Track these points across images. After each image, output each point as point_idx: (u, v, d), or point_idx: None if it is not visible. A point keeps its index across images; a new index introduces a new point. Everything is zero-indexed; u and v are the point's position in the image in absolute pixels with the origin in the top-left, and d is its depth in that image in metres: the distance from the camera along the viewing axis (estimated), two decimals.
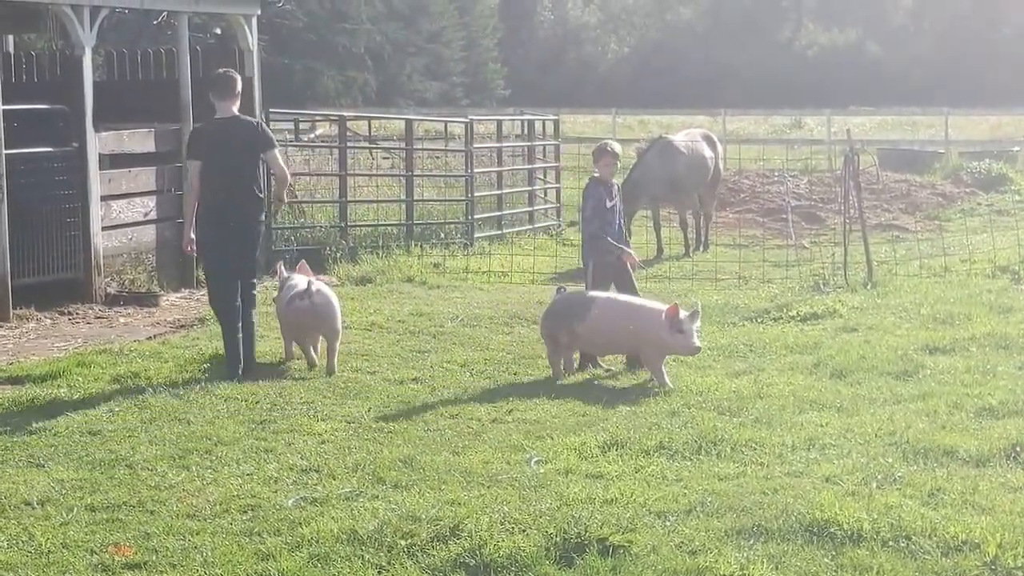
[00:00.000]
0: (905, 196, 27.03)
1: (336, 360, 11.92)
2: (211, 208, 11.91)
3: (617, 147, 12.74)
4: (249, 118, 12.83)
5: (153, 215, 17.12)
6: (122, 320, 15.04)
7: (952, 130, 40.31)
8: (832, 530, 7.36)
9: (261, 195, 12.26)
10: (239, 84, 12.12)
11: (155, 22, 26.33)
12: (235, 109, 12.07)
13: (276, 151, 12.31)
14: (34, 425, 10.12)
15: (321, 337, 12.18)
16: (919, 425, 9.60)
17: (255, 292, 12.56)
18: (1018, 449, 8.90)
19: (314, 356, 12.14)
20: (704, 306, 15.00)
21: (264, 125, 13.10)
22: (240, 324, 11.94)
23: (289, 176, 13.06)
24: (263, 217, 12.51)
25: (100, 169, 16.10)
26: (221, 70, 12.73)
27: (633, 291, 12.36)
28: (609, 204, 12.41)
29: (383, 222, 20.88)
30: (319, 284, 12.24)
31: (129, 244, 16.73)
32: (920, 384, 11.03)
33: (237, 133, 11.98)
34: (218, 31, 20.01)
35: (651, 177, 20.12)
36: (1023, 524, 7.41)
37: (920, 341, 12.68)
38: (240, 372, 11.69)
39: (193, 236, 12.05)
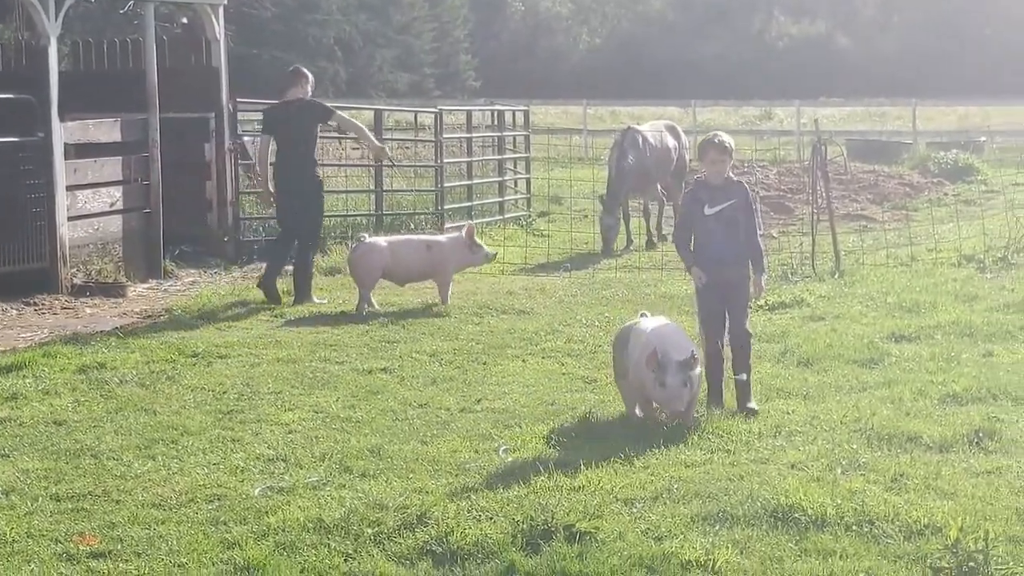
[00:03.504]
0: (873, 186, 27.15)
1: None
2: (275, 174, 15.23)
3: (727, 139, 10.20)
4: (308, 99, 15.28)
5: (120, 205, 17.04)
6: (89, 311, 14.98)
7: (920, 121, 40.49)
8: (797, 515, 7.39)
9: (315, 164, 15.38)
10: (301, 75, 15.31)
11: (121, 11, 26.19)
12: (300, 94, 15.08)
13: (338, 115, 15.60)
14: None
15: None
16: (884, 412, 9.65)
17: (310, 243, 15.45)
18: (981, 435, 8.96)
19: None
20: (673, 296, 15.16)
21: (319, 101, 15.71)
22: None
23: (360, 129, 16.34)
24: (320, 182, 15.55)
25: (66, 159, 16.01)
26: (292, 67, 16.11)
27: (742, 317, 10.05)
28: (710, 211, 9.91)
29: (352, 212, 20.85)
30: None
31: (96, 234, 16.66)
32: (885, 372, 11.09)
33: (299, 112, 15.00)
34: (185, 21, 19.92)
35: (618, 162, 20.09)
36: (984, 508, 7.48)
37: (886, 329, 12.75)
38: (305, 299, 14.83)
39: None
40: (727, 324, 9.98)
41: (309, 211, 15.29)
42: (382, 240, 15.16)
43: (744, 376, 9.84)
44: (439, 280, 14.64)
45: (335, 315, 14.27)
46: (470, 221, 15.40)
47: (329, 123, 15.68)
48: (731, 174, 10.18)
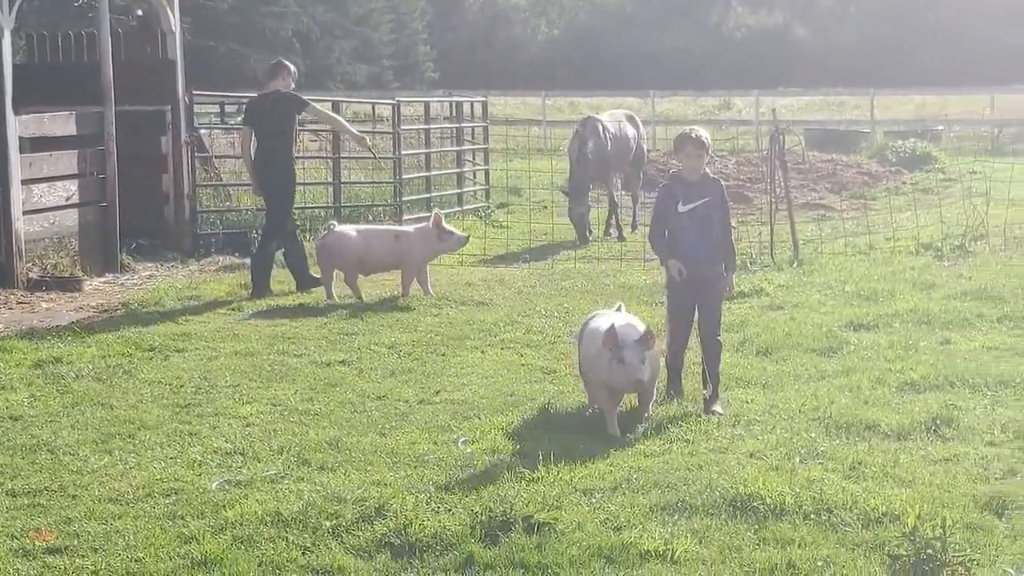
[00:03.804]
0: (831, 175, 27.26)
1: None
2: (253, 166, 15.50)
3: (703, 134, 9.90)
4: (284, 91, 15.35)
5: (75, 199, 16.95)
6: (44, 305, 14.89)
7: (877, 110, 40.69)
8: (755, 504, 7.42)
9: (291, 157, 15.51)
10: (281, 67, 15.56)
11: (76, 4, 26.01)
12: (280, 87, 15.28)
13: (313, 107, 15.67)
14: None
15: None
16: (842, 400, 9.71)
17: (271, 234, 15.45)
18: (938, 423, 9.03)
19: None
20: (632, 286, 15.19)
21: (295, 93, 15.54)
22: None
23: (339, 122, 16.94)
24: (291, 175, 15.47)
25: (21, 153, 15.92)
26: (275, 60, 16.31)
27: (715, 316, 9.96)
28: (683, 208, 9.71)
29: (310, 204, 20.78)
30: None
31: (51, 228, 16.56)
32: (844, 360, 11.15)
33: (275, 104, 15.18)
34: (140, 13, 19.81)
35: (578, 152, 20.11)
36: (942, 496, 7.54)
37: (844, 318, 12.81)
38: (260, 293, 14.80)
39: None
40: (698, 326, 9.93)
41: (273, 202, 15.43)
42: (352, 229, 15.16)
43: (710, 390, 9.75)
44: (405, 271, 14.61)
45: (293, 308, 14.24)
46: (437, 210, 15.30)
47: (304, 114, 15.61)
48: (708, 170, 10.02)
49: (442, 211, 21.29)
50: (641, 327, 9.18)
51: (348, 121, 18.44)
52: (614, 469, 8.23)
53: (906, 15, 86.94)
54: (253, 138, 15.47)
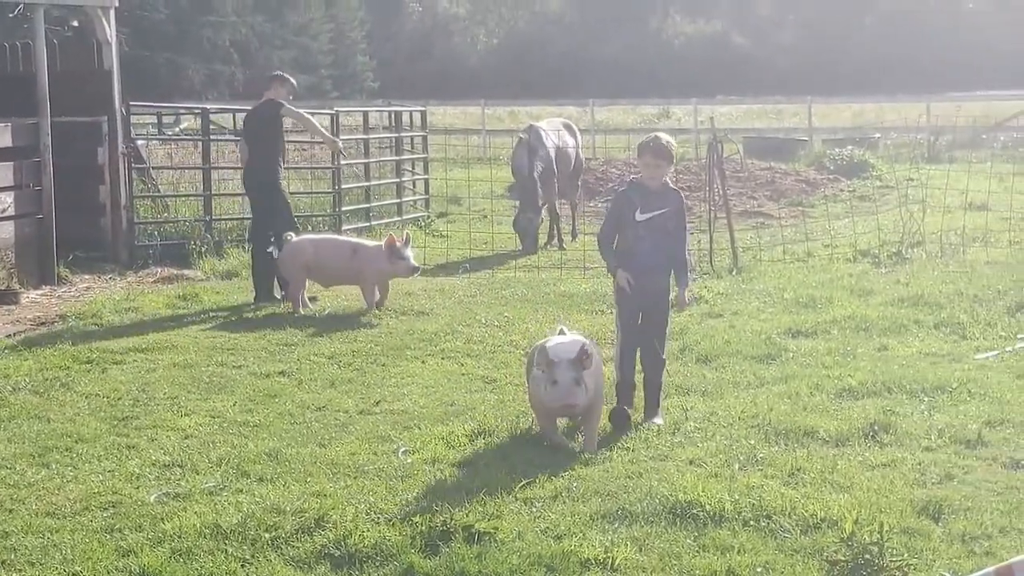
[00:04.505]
0: (770, 183, 27.37)
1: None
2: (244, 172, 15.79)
3: (667, 141, 9.53)
4: (266, 99, 15.43)
5: (11, 211, 16.82)
6: None
7: (815, 118, 40.93)
8: (695, 511, 7.45)
9: (272, 162, 15.24)
10: (274, 79, 15.67)
11: (11, 15, 25.83)
12: (271, 96, 15.31)
13: (286, 107, 15.31)
14: None
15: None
16: (781, 407, 9.76)
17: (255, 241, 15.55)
18: (876, 428, 9.10)
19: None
20: (572, 294, 15.22)
21: (269, 100, 15.39)
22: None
23: (315, 125, 16.65)
24: (273, 180, 15.25)
25: None
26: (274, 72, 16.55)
27: (660, 338, 9.73)
28: (641, 217, 9.38)
29: (249, 215, 20.70)
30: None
31: None
32: (782, 367, 11.22)
33: (257, 111, 15.46)
34: (76, 24, 19.72)
35: (519, 160, 20.14)
36: (879, 501, 7.59)
37: (783, 325, 12.89)
38: (264, 298, 15.00)
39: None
40: (641, 337, 9.64)
41: (259, 209, 15.57)
42: (307, 239, 15.14)
43: (656, 418, 9.49)
44: (361, 286, 14.52)
45: (233, 319, 14.19)
46: (393, 233, 14.97)
47: (283, 116, 15.40)
48: (668, 180, 9.71)
49: (377, 223, 21.45)
50: (576, 346, 8.78)
51: (287, 131, 18.27)
52: (554, 478, 8.24)
53: (843, 24, 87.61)
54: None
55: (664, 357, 9.83)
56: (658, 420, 9.43)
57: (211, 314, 14.56)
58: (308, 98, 66.33)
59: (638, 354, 9.71)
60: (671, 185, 9.73)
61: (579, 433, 9.16)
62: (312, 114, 17.20)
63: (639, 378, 9.82)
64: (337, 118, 22.00)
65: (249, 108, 16.74)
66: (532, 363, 8.96)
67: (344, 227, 20.52)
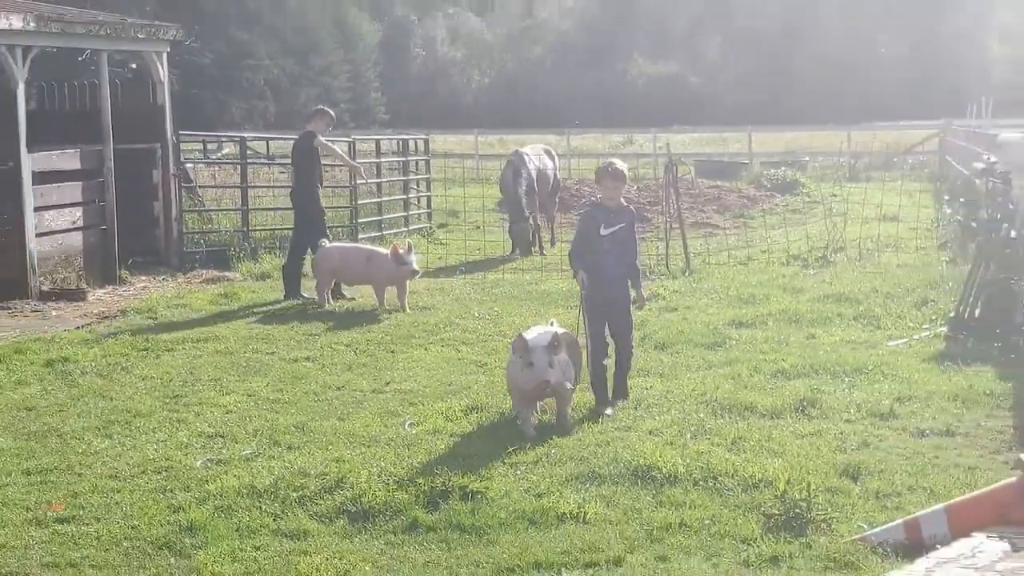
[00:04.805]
0: (716, 199, 27.32)
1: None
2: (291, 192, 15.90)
3: (622, 167, 9.53)
4: (304, 131, 15.41)
5: (80, 223, 16.80)
6: (55, 313, 14.74)
7: (755, 144, 40.87)
8: (653, 473, 7.47)
9: (310, 185, 15.17)
10: (315, 112, 15.72)
11: (80, 59, 25.79)
12: (309, 127, 15.32)
13: (319, 139, 15.18)
14: None
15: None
16: (725, 386, 9.77)
17: (294, 249, 15.38)
18: (805, 404, 9.12)
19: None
20: (551, 292, 15.21)
21: (307, 132, 15.29)
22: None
23: (339, 153, 16.53)
24: (311, 200, 15.20)
25: (33, 184, 15.77)
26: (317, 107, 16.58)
27: (628, 333, 9.52)
28: (605, 231, 9.24)
29: (280, 227, 20.68)
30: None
31: (60, 248, 16.40)
32: (727, 353, 11.22)
33: (298, 143, 15.43)
34: (134, 66, 19.64)
35: (507, 181, 20.12)
36: (807, 464, 7.60)
37: (727, 317, 12.89)
38: (293, 295, 14.89)
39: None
40: (612, 336, 9.39)
41: (299, 222, 15.45)
42: (339, 245, 15.12)
43: (623, 399, 9.35)
44: (374, 286, 14.37)
45: (266, 313, 14.17)
46: (398, 241, 14.84)
47: (315, 145, 15.13)
48: (622, 199, 9.54)
49: (388, 232, 21.42)
50: (549, 334, 8.65)
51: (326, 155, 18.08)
52: (535, 446, 8.25)
53: (778, 66, 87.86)
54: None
55: (632, 347, 9.70)
56: (609, 412, 9.08)
57: (248, 309, 14.53)
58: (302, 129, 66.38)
59: (610, 347, 9.46)
60: (624, 203, 9.61)
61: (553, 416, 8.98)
62: (333, 142, 17.13)
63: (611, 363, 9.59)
64: (354, 145, 21.95)
65: (280, 136, 16.75)
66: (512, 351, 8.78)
67: (360, 236, 20.48)
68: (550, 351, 8.47)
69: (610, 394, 9.36)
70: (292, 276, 15.17)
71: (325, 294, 14.49)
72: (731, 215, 25.31)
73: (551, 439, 8.40)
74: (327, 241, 14.89)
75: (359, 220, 21.36)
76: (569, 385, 8.76)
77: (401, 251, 14.02)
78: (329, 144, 15.79)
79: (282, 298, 14.98)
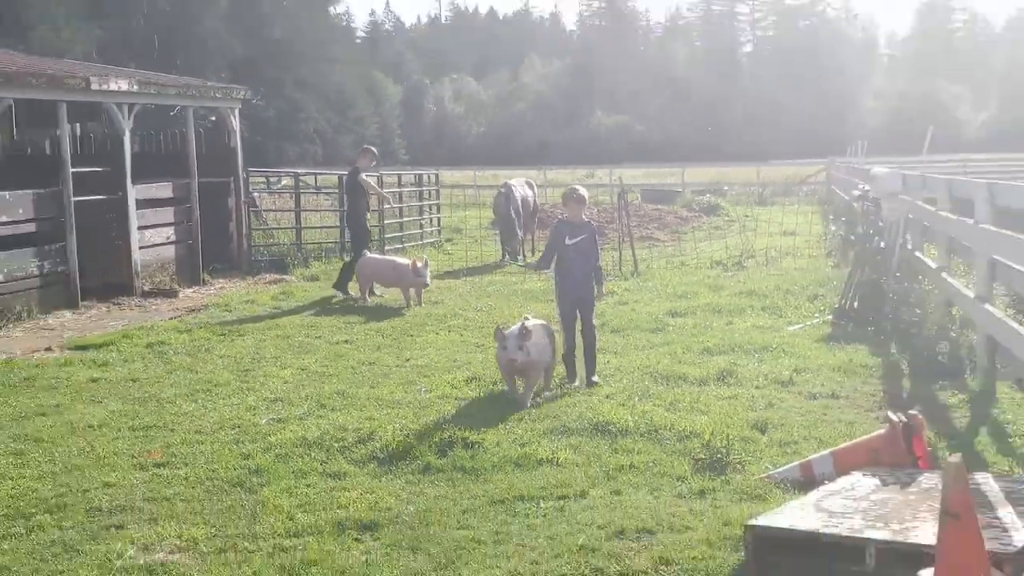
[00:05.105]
0: (658, 219, 27.35)
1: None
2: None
3: (583, 192, 9.42)
4: (355, 166, 14.98)
5: (172, 239, 16.76)
6: (153, 307, 14.70)
7: (687, 177, 40.95)
8: (610, 427, 7.46)
9: (357, 211, 14.90)
10: (361, 151, 15.38)
11: (171, 113, 25.70)
12: (357, 164, 14.95)
13: (360, 177, 14.81)
14: (95, 376, 9.90)
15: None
16: (664, 361, 9.77)
17: (351, 260, 15.05)
18: (724, 374, 9.11)
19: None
20: (532, 290, 15.19)
21: (354, 168, 14.96)
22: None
23: (372, 186, 15.49)
24: (357, 222, 14.93)
25: (137, 209, 15.75)
26: (364, 146, 15.97)
27: (590, 319, 9.22)
28: (570, 242, 9.12)
29: (325, 240, 20.66)
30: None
31: (157, 258, 16.36)
32: (665, 335, 11.22)
33: (346, 179, 15.44)
34: (213, 118, 19.53)
35: (500, 206, 20.12)
36: (726, 420, 7.59)
37: (666, 309, 12.89)
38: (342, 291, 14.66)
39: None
40: (581, 325, 9.18)
41: (352, 240, 15.21)
42: (374, 256, 14.88)
43: (595, 376, 9.04)
44: (401, 288, 14.18)
45: (316, 306, 14.14)
46: (417, 257, 14.56)
47: (357, 180, 14.75)
48: (584, 216, 9.42)
49: (409, 244, 21.38)
50: (525, 325, 8.47)
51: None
52: (520, 407, 8.25)
53: (707, 115, 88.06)
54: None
55: (596, 332, 9.46)
56: (596, 379, 9.03)
57: (301, 304, 14.51)
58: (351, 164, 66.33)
59: (578, 333, 9.27)
60: (586, 220, 9.48)
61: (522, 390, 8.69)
62: (368, 176, 17.04)
63: (582, 351, 9.39)
64: (382, 178, 21.95)
65: (325, 172, 16.70)
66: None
67: (386, 248, 20.45)
68: (519, 338, 8.35)
69: (584, 371, 9.17)
70: (347, 278, 14.99)
71: (365, 293, 14.46)
72: (669, 231, 25.33)
73: (531, 402, 8.40)
74: (368, 253, 14.80)
75: (385, 235, 21.32)
76: (543, 365, 8.57)
77: (419, 265, 13.91)
78: (365, 179, 15.63)
79: (337, 295, 14.78)
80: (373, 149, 15.68)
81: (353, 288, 14.86)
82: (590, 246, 9.23)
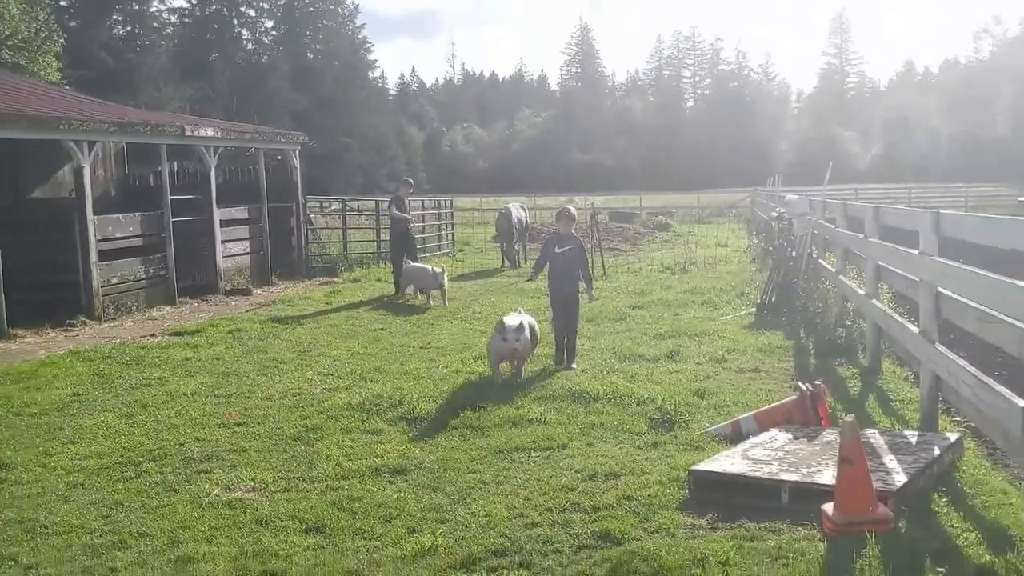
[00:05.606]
0: (621, 234, 27.32)
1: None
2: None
3: (574, 212, 9.22)
4: (396, 195, 14.72)
5: (247, 250, 16.74)
6: (232, 303, 14.68)
7: (644, 202, 40.89)
8: (585, 395, 7.44)
9: (399, 231, 14.68)
10: (403, 182, 15.08)
11: (247, 153, 25.65)
12: (399, 192, 14.68)
13: (392, 208, 14.64)
14: (188, 356, 9.86)
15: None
16: (626, 344, 9.74)
17: (395, 265, 14.66)
18: (672, 354, 9.06)
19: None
20: (526, 289, 15.13)
21: (396, 196, 14.74)
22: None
23: (399, 215, 14.81)
24: (403, 236, 14.63)
25: (220, 227, 15.72)
26: (405, 178, 15.97)
27: (574, 315, 8.89)
28: (558, 250, 8.83)
29: (365, 252, 20.63)
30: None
31: (236, 264, 16.34)
32: (627, 323, 11.19)
33: (389, 205, 14.92)
34: (279, 157, 19.49)
35: (501, 225, 20.11)
36: (675, 389, 7.56)
37: (628, 303, 12.85)
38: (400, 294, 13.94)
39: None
40: (565, 319, 8.94)
41: (392, 251, 14.98)
42: (415, 264, 14.18)
43: (573, 363, 8.74)
44: (428, 291, 13.80)
45: (360, 303, 14.10)
46: (438, 268, 13.88)
47: (390, 212, 14.81)
48: (573, 231, 9.07)
49: (431, 254, 21.31)
50: (518, 320, 8.19)
51: (384, 212, 17.70)
52: (518, 380, 8.21)
53: (661, 146, 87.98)
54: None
55: (577, 326, 9.23)
56: (574, 365, 8.74)
57: (347, 300, 14.48)
58: (392, 193, 66.11)
59: (564, 325, 9.02)
60: (574, 234, 9.30)
61: (512, 371, 8.42)
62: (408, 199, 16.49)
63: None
64: (408, 203, 21.83)
65: (365, 199, 16.69)
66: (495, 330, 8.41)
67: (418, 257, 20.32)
68: (518, 331, 8.18)
69: (566, 357, 8.96)
70: (398, 281, 14.62)
71: (404, 292, 14.09)
72: (630, 243, 25.29)
73: (523, 376, 8.37)
74: (410, 261, 14.41)
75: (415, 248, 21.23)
76: (530, 350, 8.41)
77: (437, 271, 13.59)
78: (393, 209, 15.32)
79: (391, 294, 14.52)
80: (411, 180, 15.71)
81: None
82: (576, 255, 9.01)
